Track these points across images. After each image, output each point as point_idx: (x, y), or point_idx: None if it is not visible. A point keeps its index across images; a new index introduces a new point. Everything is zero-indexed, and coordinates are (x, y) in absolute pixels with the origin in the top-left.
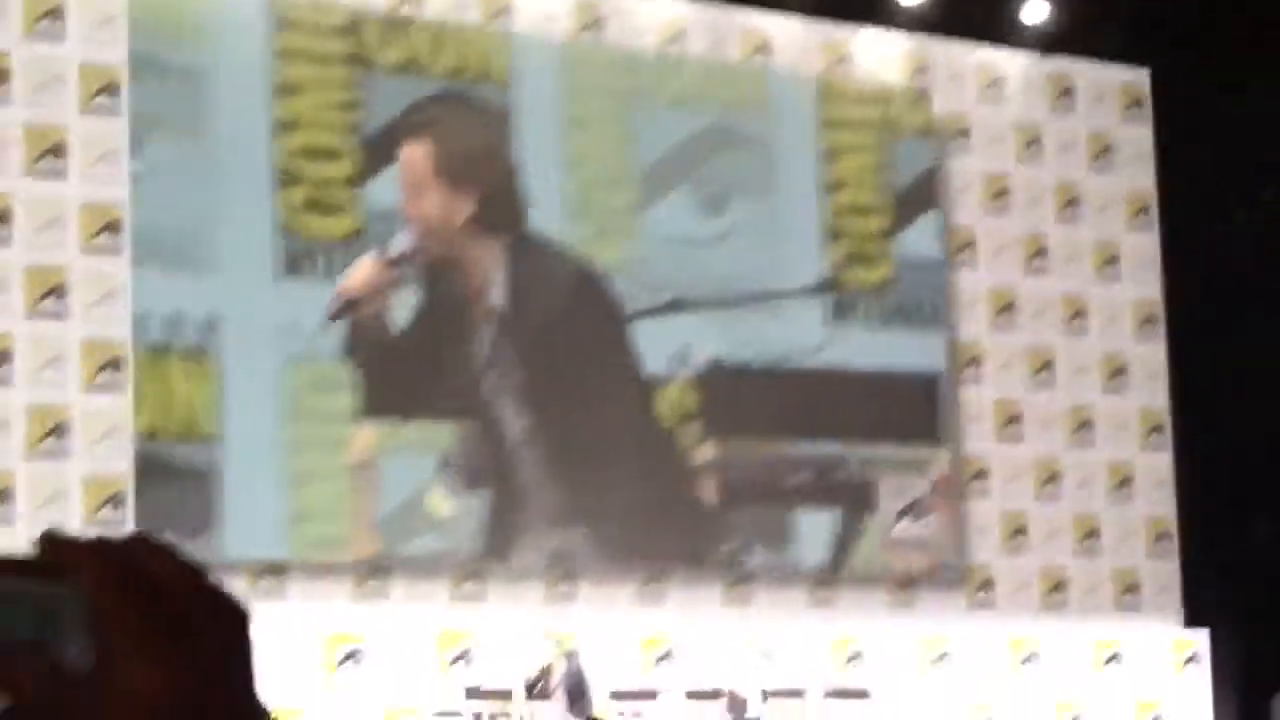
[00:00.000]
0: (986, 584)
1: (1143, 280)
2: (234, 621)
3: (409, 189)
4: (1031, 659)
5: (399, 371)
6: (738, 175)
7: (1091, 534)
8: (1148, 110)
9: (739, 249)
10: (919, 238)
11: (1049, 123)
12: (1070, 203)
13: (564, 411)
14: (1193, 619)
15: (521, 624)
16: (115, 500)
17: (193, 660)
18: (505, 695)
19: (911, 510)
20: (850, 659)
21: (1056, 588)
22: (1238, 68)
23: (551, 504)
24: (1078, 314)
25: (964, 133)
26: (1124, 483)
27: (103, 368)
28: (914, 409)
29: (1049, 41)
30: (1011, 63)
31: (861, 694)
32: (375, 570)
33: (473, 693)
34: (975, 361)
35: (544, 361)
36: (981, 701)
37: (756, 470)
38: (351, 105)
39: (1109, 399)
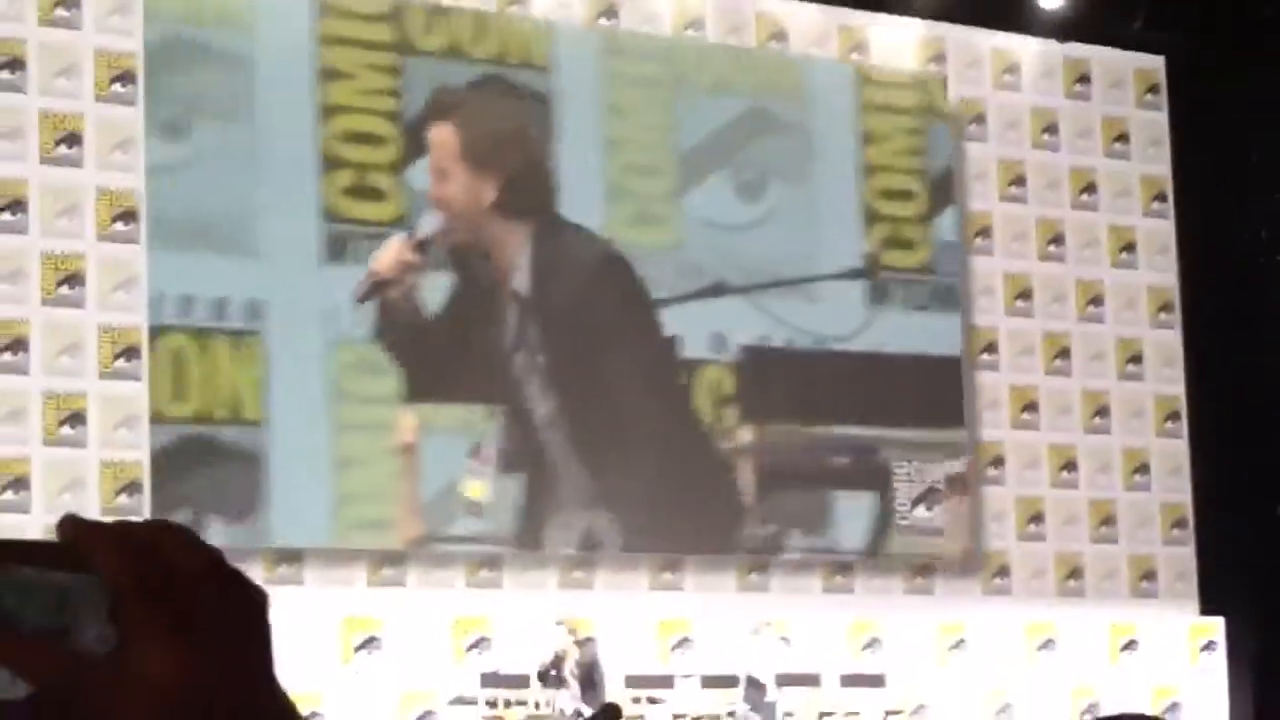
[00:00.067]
0: (1002, 570)
1: (1159, 266)
2: (252, 607)
3: (435, 172)
4: (1047, 645)
5: (432, 355)
6: (775, 160)
7: (1108, 520)
8: (1164, 97)
9: (777, 233)
10: (953, 223)
11: (1065, 109)
12: (1086, 189)
13: (590, 395)
14: (1209, 606)
15: (540, 610)
16: (132, 487)
17: (210, 646)
18: (522, 682)
19: (929, 496)
20: (866, 645)
21: (1073, 574)
22: (1254, 55)
23: (581, 488)
24: (1094, 300)
25: (980, 119)
26: (1140, 469)
27: (119, 355)
28: (945, 393)
29: (1065, 28)
30: (1027, 49)
31: (878, 680)
32: (416, 554)
33: (489, 679)
34: (991, 347)
35: (569, 345)
36: (997, 687)
37: (794, 454)
38: (394, 91)
39: (1125, 385)
